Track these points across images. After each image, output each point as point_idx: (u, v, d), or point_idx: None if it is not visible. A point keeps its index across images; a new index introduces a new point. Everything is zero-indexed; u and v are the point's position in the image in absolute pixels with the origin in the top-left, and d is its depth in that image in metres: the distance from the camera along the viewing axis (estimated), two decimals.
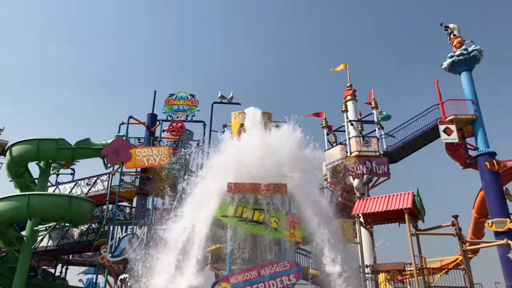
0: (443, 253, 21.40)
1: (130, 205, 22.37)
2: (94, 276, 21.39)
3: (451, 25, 22.38)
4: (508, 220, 17.63)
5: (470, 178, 22.03)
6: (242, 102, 21.48)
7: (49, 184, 22.16)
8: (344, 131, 22.64)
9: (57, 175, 23.68)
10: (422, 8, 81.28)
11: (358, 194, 20.38)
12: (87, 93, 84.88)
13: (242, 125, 17.21)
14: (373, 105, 22.57)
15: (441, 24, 22.61)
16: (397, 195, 16.05)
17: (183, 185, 16.55)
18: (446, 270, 16.80)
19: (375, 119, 22.08)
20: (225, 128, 20.53)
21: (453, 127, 19.40)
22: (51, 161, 20.83)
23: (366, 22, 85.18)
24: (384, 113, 22.12)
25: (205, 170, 15.68)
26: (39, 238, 19.59)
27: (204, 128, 22.34)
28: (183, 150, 20.60)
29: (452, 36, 22.14)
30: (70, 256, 24.15)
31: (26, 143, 19.71)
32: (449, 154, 20.65)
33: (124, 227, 18.02)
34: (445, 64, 21.68)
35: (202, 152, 19.63)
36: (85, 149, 20.45)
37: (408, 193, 15.85)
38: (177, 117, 22.17)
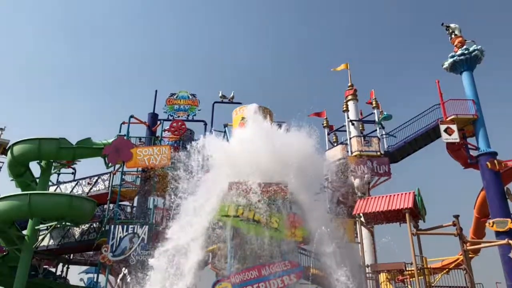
0: (444, 253, 21.38)
1: (131, 204, 22.39)
2: (95, 275, 21.41)
3: (452, 25, 22.35)
4: (509, 220, 17.61)
5: (471, 178, 22.03)
6: (243, 102, 21.46)
7: (50, 183, 22.17)
8: (345, 130, 22.62)
9: (58, 174, 23.71)
10: (423, 8, 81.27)
11: (359, 194, 20.37)
12: (88, 93, 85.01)
13: (243, 118, 17.41)
14: (374, 105, 22.54)
15: (442, 24, 22.59)
16: (398, 195, 16.07)
17: (184, 185, 16.51)
18: (447, 270, 16.82)
19: (376, 119, 22.06)
20: (226, 128, 20.62)
21: (454, 127, 19.39)
22: (52, 161, 20.85)
23: (367, 21, 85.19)
24: (385, 113, 22.11)
25: (205, 170, 15.69)
26: (40, 237, 19.61)
27: (205, 127, 22.40)
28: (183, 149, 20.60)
29: (453, 36, 22.11)
30: (71, 255, 24.16)
31: (28, 143, 19.73)
32: (450, 154, 20.63)
33: (125, 226, 18.03)
34: (446, 64, 21.65)
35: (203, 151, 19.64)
36: (86, 148, 20.48)
37: (409, 193, 15.86)
38: (178, 117, 22.20)
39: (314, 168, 15.48)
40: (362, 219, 16.64)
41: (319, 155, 16.33)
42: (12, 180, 21.05)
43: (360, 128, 22.92)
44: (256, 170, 14.15)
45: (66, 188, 22.45)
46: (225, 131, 20.63)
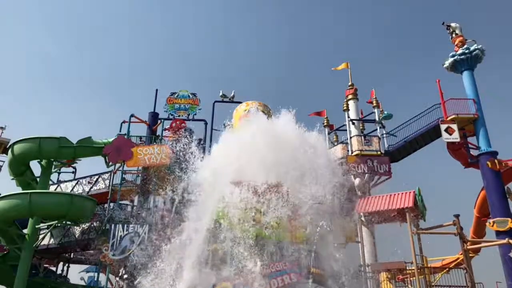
0: (444, 253, 21.36)
1: (131, 203, 22.38)
2: (96, 274, 21.41)
3: (453, 24, 22.33)
4: (509, 219, 17.60)
5: (472, 177, 22.00)
6: (243, 101, 21.47)
7: (50, 182, 22.17)
8: (346, 130, 22.60)
9: (59, 173, 23.71)
10: (424, 7, 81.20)
11: (359, 193, 20.38)
12: (89, 92, 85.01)
13: (245, 110, 17.75)
14: (374, 104, 22.52)
15: (443, 23, 22.57)
16: (398, 194, 16.08)
17: (184, 185, 16.56)
18: (447, 269, 16.82)
19: (377, 118, 22.04)
20: (226, 128, 20.63)
21: (454, 126, 19.39)
22: (52, 160, 20.84)
23: (368, 20, 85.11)
24: (386, 112, 22.11)
25: (206, 169, 15.73)
26: (40, 236, 19.61)
27: (206, 127, 22.43)
28: (183, 148, 20.59)
29: (454, 35, 22.08)
30: (72, 254, 24.18)
31: (28, 142, 19.72)
32: (451, 153, 20.63)
33: (126, 225, 18.03)
34: (446, 63, 21.64)
35: (204, 150, 19.69)
36: (87, 147, 20.47)
37: (410, 192, 15.87)
38: (179, 116, 22.20)
39: (315, 168, 15.47)
40: (363, 218, 16.64)
41: (319, 153, 16.30)
42: (12, 179, 21.05)
43: (361, 128, 22.90)
44: (257, 170, 14.15)
45: (66, 187, 22.45)
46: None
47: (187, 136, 19.41)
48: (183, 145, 17.74)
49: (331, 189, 14.66)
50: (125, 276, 16.36)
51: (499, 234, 17.60)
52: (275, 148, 14.58)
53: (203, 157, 16.73)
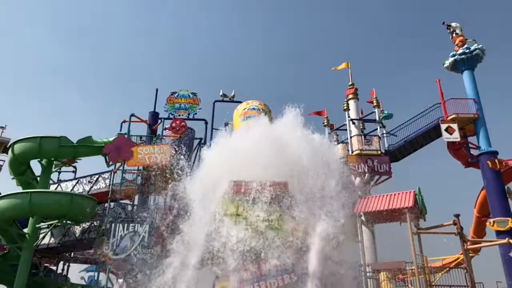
0: (445, 252, 21.36)
1: (131, 203, 22.39)
2: (96, 273, 21.40)
3: (453, 24, 22.31)
4: (509, 219, 17.60)
5: (472, 177, 21.94)
6: (244, 101, 21.49)
7: (51, 181, 22.19)
8: (346, 129, 22.61)
9: (59, 172, 23.73)
10: (424, 7, 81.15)
11: (359, 193, 20.36)
12: (89, 92, 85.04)
13: (245, 108, 17.80)
14: (374, 104, 22.52)
15: (443, 23, 22.55)
16: (398, 194, 16.05)
17: (184, 184, 16.53)
18: (447, 269, 16.80)
19: (377, 118, 22.04)
20: (226, 127, 20.65)
21: (455, 126, 19.39)
22: (53, 159, 20.85)
23: (368, 20, 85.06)
24: (386, 111, 22.10)
25: (206, 168, 15.72)
26: (41, 236, 19.63)
27: (206, 126, 22.43)
28: (184, 148, 20.59)
29: (454, 34, 22.07)
30: (72, 253, 24.19)
31: (29, 141, 19.75)
32: (451, 153, 20.62)
33: (126, 225, 18.02)
34: (447, 63, 21.62)
35: (204, 150, 19.65)
36: (87, 147, 20.50)
37: (410, 192, 15.85)
38: (179, 115, 22.19)
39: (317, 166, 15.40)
40: (363, 218, 16.63)
41: (321, 152, 16.23)
42: (13, 178, 21.08)
43: (361, 127, 22.90)
44: (258, 169, 14.12)
45: (67, 187, 22.45)
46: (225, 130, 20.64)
47: (175, 148, 19.25)
48: (171, 157, 17.59)
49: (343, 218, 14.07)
50: (121, 280, 16.35)
51: (499, 234, 17.59)
52: (278, 169, 14.35)
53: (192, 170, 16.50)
